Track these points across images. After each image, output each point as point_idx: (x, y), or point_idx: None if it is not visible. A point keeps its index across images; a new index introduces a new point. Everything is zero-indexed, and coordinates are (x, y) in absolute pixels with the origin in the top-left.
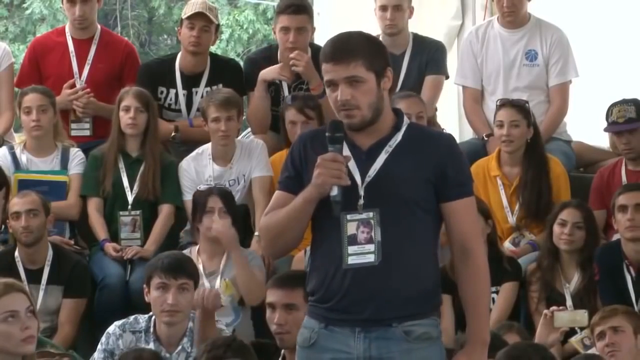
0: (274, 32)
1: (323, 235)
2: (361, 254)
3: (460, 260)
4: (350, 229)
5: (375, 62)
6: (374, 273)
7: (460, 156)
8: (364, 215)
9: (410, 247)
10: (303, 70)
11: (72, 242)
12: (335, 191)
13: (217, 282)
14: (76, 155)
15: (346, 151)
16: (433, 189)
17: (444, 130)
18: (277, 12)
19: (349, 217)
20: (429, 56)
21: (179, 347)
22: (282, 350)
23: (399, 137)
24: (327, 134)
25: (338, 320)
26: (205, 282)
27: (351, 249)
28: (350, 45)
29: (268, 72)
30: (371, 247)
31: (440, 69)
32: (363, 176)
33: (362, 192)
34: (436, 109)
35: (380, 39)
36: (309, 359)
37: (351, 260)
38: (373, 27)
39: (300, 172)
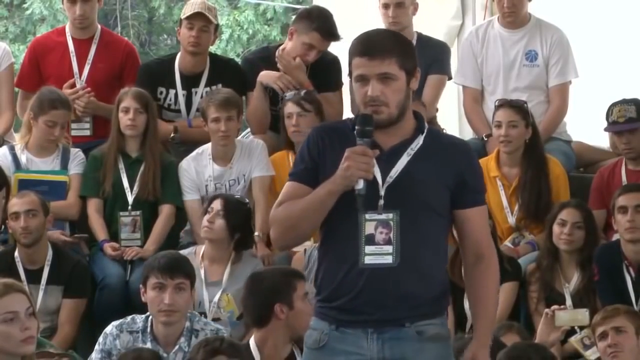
0: (290, 35)
1: (336, 232)
2: (379, 254)
3: (474, 265)
4: (369, 228)
5: (407, 61)
6: (390, 275)
7: (478, 165)
8: (383, 216)
9: (425, 250)
10: (286, 69)
11: (67, 233)
12: (361, 184)
13: (218, 295)
14: (77, 156)
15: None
16: (449, 195)
17: (444, 131)
18: (312, 28)
19: (367, 216)
20: (434, 56)
21: (176, 347)
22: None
23: (420, 140)
24: (356, 127)
25: (350, 321)
26: (204, 291)
27: (368, 249)
28: (385, 42)
29: (266, 76)
30: (389, 248)
31: (443, 69)
32: (384, 176)
33: (382, 193)
34: (437, 109)
35: None
36: None
37: (368, 260)
38: (374, 27)
39: (317, 165)
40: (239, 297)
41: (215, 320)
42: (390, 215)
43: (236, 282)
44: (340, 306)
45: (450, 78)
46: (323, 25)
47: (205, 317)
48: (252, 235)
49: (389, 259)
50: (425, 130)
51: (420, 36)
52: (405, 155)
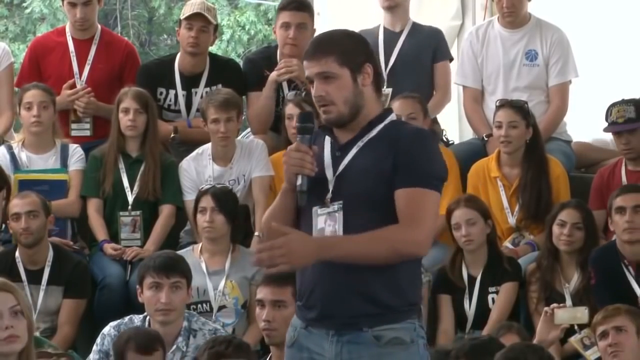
0: (274, 32)
1: (301, 230)
2: None
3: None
4: (320, 222)
5: (350, 57)
6: (338, 268)
7: (423, 148)
8: (330, 209)
9: None
10: (297, 75)
11: (71, 242)
12: (299, 181)
13: (222, 283)
14: (76, 152)
15: (327, 146)
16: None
17: (444, 130)
18: (279, 9)
19: (319, 211)
20: (434, 44)
21: (174, 347)
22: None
23: (373, 132)
24: (296, 124)
25: (314, 320)
26: (207, 281)
27: None
28: (323, 42)
29: (275, 74)
30: None
31: (446, 54)
32: (335, 170)
33: (330, 187)
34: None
35: (383, 18)
36: (291, 357)
37: None
38: (374, 24)
39: None
40: (242, 284)
41: (221, 308)
42: (335, 207)
43: (238, 269)
44: (305, 304)
45: (452, 60)
46: (285, 2)
47: (210, 305)
48: (245, 219)
49: None
50: (386, 123)
51: (415, 23)
52: (355, 148)
